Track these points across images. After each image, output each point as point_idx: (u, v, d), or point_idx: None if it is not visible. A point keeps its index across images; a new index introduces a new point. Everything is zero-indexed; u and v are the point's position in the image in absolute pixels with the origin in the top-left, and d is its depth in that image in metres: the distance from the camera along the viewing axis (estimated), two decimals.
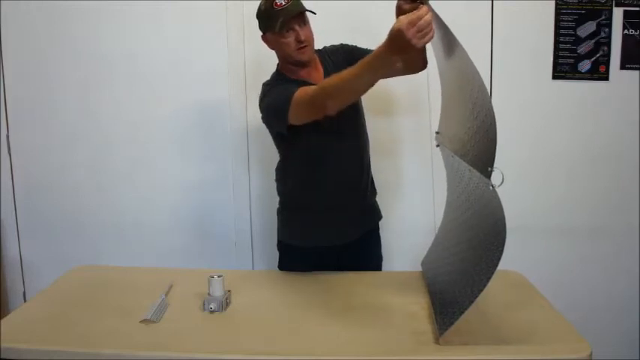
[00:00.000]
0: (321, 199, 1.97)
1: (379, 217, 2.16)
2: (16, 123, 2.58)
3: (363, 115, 2.05)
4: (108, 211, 2.61)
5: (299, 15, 1.83)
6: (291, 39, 1.85)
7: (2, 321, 1.57)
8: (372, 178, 2.11)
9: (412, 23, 1.35)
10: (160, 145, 2.57)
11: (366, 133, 2.06)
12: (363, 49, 1.97)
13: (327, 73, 1.91)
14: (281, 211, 2.08)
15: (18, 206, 2.63)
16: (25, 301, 2.62)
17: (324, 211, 1.97)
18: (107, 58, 2.51)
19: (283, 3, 1.82)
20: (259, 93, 1.95)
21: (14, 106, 2.56)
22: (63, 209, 2.62)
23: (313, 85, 1.79)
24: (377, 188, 2.13)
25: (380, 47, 1.45)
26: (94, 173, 2.60)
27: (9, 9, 2.48)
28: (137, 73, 2.52)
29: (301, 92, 1.74)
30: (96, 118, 2.56)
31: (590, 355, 1.39)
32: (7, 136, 2.58)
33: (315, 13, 1.86)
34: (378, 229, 2.16)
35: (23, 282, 2.68)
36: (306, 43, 1.87)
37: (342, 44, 2.03)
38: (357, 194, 2.02)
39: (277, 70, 1.99)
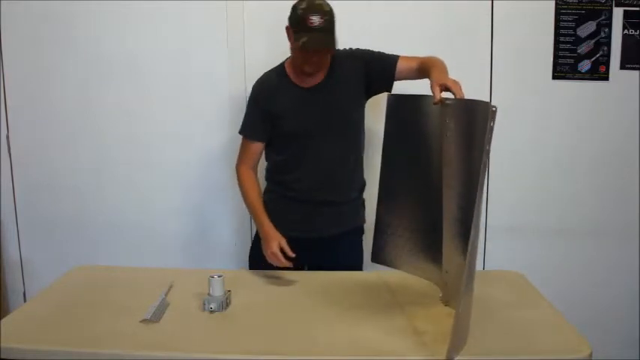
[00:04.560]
0: (295, 191, 2.04)
1: (360, 221, 2.16)
2: (16, 123, 2.58)
3: (357, 123, 2.06)
4: (108, 211, 2.61)
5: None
6: (303, 56, 1.89)
7: (2, 321, 1.57)
8: (361, 182, 2.14)
9: (275, 255, 1.85)
10: (160, 145, 2.57)
11: (359, 138, 2.08)
12: (374, 53, 2.00)
13: (334, 78, 1.97)
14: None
15: (18, 206, 2.63)
16: (25, 301, 2.62)
17: (297, 204, 2.04)
18: (107, 58, 2.50)
19: (316, 22, 1.81)
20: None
21: (14, 106, 2.56)
22: (63, 209, 2.62)
23: (301, 88, 1.97)
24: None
25: (265, 224, 1.94)
26: (94, 173, 2.60)
27: (9, 9, 2.48)
28: (137, 73, 2.52)
29: (240, 157, 2.08)
30: (96, 118, 2.56)
31: (590, 355, 1.39)
32: (7, 136, 2.58)
33: (334, 52, 1.88)
34: (360, 232, 2.17)
35: (23, 282, 2.68)
36: (313, 71, 1.92)
37: (354, 49, 2.03)
38: (334, 195, 2.04)
39: (283, 62, 2.03)
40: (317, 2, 1.85)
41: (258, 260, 1.99)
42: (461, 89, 1.56)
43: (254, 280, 1.91)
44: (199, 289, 1.72)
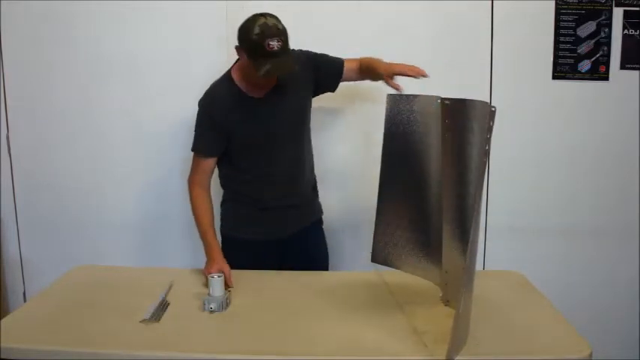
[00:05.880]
0: (254, 199, 2.05)
1: (318, 213, 2.20)
2: (16, 123, 2.58)
3: (307, 123, 2.08)
4: (108, 211, 2.61)
5: None
6: (266, 80, 1.86)
7: (2, 321, 1.57)
8: (313, 179, 2.17)
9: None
10: (160, 145, 2.57)
11: (309, 138, 2.10)
12: (321, 55, 2.02)
13: (284, 84, 1.95)
14: (221, 203, 2.16)
15: (18, 206, 2.63)
16: (25, 301, 2.62)
17: (257, 211, 2.05)
18: (107, 58, 2.50)
19: (275, 47, 1.74)
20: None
21: (14, 106, 2.56)
22: (63, 209, 2.61)
23: (253, 98, 1.93)
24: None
25: (214, 249, 1.90)
26: (94, 173, 2.60)
27: (9, 9, 2.48)
28: (137, 73, 2.51)
29: (192, 174, 2.00)
30: (96, 118, 2.56)
31: (591, 355, 1.39)
32: (7, 136, 2.58)
33: (295, 72, 1.84)
34: (320, 223, 2.21)
35: (23, 282, 2.68)
36: (271, 85, 1.91)
37: (303, 51, 2.02)
38: (294, 199, 2.07)
39: (230, 70, 2.00)
40: (270, 23, 1.76)
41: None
42: (413, 67, 1.56)
43: (254, 280, 1.91)
44: (199, 289, 1.73)
